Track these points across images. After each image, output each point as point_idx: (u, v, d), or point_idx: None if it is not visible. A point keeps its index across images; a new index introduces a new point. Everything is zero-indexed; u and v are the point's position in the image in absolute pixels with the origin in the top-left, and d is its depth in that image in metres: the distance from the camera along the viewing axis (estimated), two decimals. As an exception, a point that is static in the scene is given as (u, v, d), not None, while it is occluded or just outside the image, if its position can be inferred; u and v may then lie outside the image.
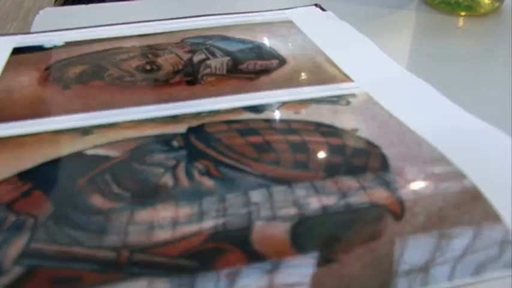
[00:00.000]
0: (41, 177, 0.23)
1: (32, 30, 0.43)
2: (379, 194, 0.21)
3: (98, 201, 0.21)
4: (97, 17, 0.45)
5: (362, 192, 0.21)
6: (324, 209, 0.20)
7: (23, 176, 0.23)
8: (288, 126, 0.26)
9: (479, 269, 0.19)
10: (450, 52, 0.40)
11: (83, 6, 0.49)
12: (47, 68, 0.34)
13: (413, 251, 0.19)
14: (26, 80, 0.33)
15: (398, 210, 0.20)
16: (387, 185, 0.22)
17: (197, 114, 0.28)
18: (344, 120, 0.27)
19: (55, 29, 0.41)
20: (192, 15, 0.43)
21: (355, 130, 0.26)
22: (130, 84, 0.32)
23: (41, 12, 0.47)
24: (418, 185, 0.22)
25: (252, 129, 0.26)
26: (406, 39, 0.44)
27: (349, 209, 0.20)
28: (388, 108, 0.28)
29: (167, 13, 0.44)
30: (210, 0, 0.49)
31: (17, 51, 0.37)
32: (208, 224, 0.19)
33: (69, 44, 0.38)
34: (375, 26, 0.44)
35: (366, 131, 0.26)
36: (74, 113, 0.28)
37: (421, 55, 0.39)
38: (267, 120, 0.27)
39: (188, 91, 0.31)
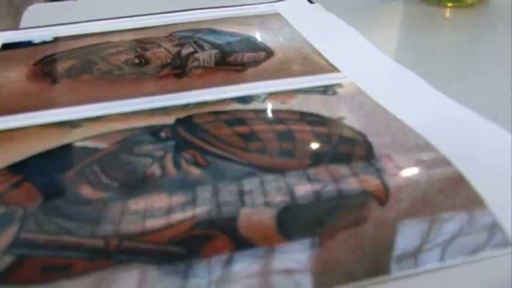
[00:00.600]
0: (30, 170, 0.23)
1: (21, 26, 0.43)
2: (365, 181, 0.21)
3: (87, 191, 0.21)
4: (86, 12, 0.45)
5: (347, 179, 0.22)
6: (310, 195, 0.21)
7: (13, 168, 0.23)
8: (275, 116, 0.27)
9: (466, 253, 0.19)
10: (438, 43, 0.40)
11: (72, 1, 0.49)
12: (36, 63, 0.34)
13: (400, 236, 0.19)
14: (15, 76, 0.33)
15: (383, 196, 0.21)
16: (372, 172, 0.22)
17: (185, 106, 0.28)
18: (330, 109, 0.27)
19: (44, 25, 0.41)
20: (181, 9, 0.43)
21: (342, 119, 0.26)
22: (119, 78, 0.32)
23: (29, 8, 0.47)
24: (403, 172, 0.22)
25: (239, 119, 0.26)
26: (394, 31, 0.44)
27: (334, 195, 0.21)
28: (374, 98, 0.29)
29: (156, 7, 0.44)
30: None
31: (5, 47, 0.37)
32: (195, 211, 0.20)
33: (58, 40, 0.38)
34: (362, 18, 0.44)
35: (352, 120, 0.26)
36: (62, 107, 0.29)
37: (409, 46, 0.40)
38: (254, 111, 0.27)
39: (176, 84, 0.31)
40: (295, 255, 0.18)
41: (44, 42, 0.38)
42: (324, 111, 0.27)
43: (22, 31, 0.41)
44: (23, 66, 0.34)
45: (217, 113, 0.27)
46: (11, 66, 0.34)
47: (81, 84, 0.31)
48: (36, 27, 0.41)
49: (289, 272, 0.18)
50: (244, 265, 0.18)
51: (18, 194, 0.21)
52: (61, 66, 0.34)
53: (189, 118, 0.27)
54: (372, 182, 0.21)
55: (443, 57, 0.38)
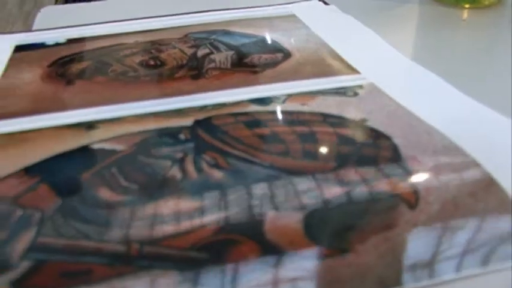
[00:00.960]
0: (47, 172, 0.22)
1: (33, 29, 0.43)
2: (393, 184, 0.21)
3: (105, 194, 0.21)
4: (99, 14, 0.44)
5: (375, 182, 0.21)
6: (337, 198, 0.20)
7: (29, 170, 0.22)
8: (296, 118, 0.26)
9: (490, 258, 0.18)
10: (455, 44, 0.40)
11: (85, 4, 0.49)
12: (50, 65, 0.34)
13: (426, 240, 0.18)
14: (29, 77, 0.32)
15: (412, 200, 0.20)
16: (400, 174, 0.21)
17: (203, 108, 0.27)
18: (352, 110, 0.27)
19: (57, 27, 0.40)
20: (194, 11, 0.42)
21: (364, 120, 0.26)
22: (134, 80, 0.31)
23: (42, 10, 0.46)
24: (431, 174, 0.21)
25: (259, 121, 0.26)
26: (410, 33, 0.43)
27: (362, 198, 0.20)
28: (396, 99, 0.28)
29: (169, 9, 0.43)
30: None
31: (19, 49, 0.37)
32: (219, 215, 0.19)
33: (71, 41, 0.38)
34: (378, 20, 0.43)
35: (375, 121, 0.25)
36: (78, 108, 0.28)
37: (426, 48, 0.39)
38: (274, 112, 0.27)
39: (193, 85, 0.30)
40: (324, 260, 0.18)
41: (57, 44, 0.38)
42: (345, 113, 0.26)
43: (35, 33, 0.40)
44: (37, 68, 0.34)
45: (236, 115, 0.26)
46: (25, 67, 0.34)
47: (95, 86, 0.31)
48: (49, 29, 0.41)
49: (317, 277, 0.17)
50: (269, 270, 0.17)
51: (35, 197, 0.20)
52: (75, 68, 0.33)
53: (207, 120, 0.26)
54: (400, 184, 0.21)
55: (461, 58, 0.37)
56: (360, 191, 0.20)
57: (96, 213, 0.19)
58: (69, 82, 0.31)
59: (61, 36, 0.39)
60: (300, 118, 0.26)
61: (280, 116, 0.26)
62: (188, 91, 0.29)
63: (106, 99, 0.29)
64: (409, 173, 0.21)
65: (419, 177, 0.21)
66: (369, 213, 0.19)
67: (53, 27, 0.41)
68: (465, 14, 0.46)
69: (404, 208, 0.19)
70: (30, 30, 0.41)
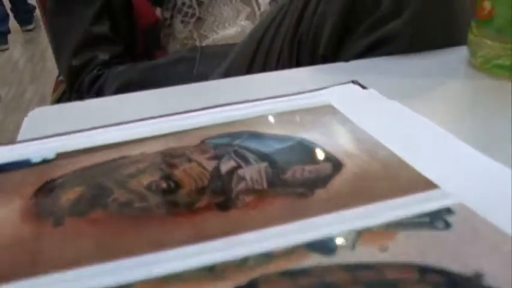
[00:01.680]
0: None
1: (20, 134, 0.36)
2: None
3: None
4: (96, 115, 0.37)
5: None
6: None
7: None
8: (379, 278, 0.18)
9: None
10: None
11: (79, 102, 0.42)
12: (34, 194, 0.26)
13: None
14: (5, 215, 0.25)
15: None
16: None
17: (242, 263, 0.19)
18: (454, 257, 0.19)
19: (45, 136, 0.33)
20: (209, 105, 0.35)
21: (480, 276, 0.18)
22: (142, 213, 0.24)
23: (30, 114, 0.39)
24: None
25: (328, 286, 0.18)
26: (466, 114, 0.36)
27: None
28: (505, 229, 0.20)
29: (178, 104, 0.36)
30: (227, 88, 0.42)
31: (-2, 168, 0.30)
32: None
33: (61, 156, 0.31)
34: (423, 102, 0.36)
35: (495, 276, 0.17)
36: (65, 268, 0.20)
37: (490, 133, 0.32)
38: (346, 268, 0.19)
39: (221, 221, 0.22)
40: None
41: (44, 161, 0.30)
42: (447, 262, 0.18)
43: (19, 145, 0.33)
44: (17, 199, 0.26)
45: (293, 274, 0.18)
46: (2, 198, 0.27)
47: (90, 226, 0.23)
48: (36, 139, 0.33)
49: None
50: None
51: None
52: (66, 198, 0.26)
53: (252, 286, 0.18)
54: None
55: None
56: None
57: None
58: (58, 222, 0.24)
59: (49, 148, 0.32)
60: (386, 278, 0.18)
61: (356, 274, 0.18)
62: (216, 232, 0.22)
63: (105, 250, 0.21)
64: None
65: None
66: None
67: (40, 137, 0.33)
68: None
69: None
70: (14, 142, 0.34)
